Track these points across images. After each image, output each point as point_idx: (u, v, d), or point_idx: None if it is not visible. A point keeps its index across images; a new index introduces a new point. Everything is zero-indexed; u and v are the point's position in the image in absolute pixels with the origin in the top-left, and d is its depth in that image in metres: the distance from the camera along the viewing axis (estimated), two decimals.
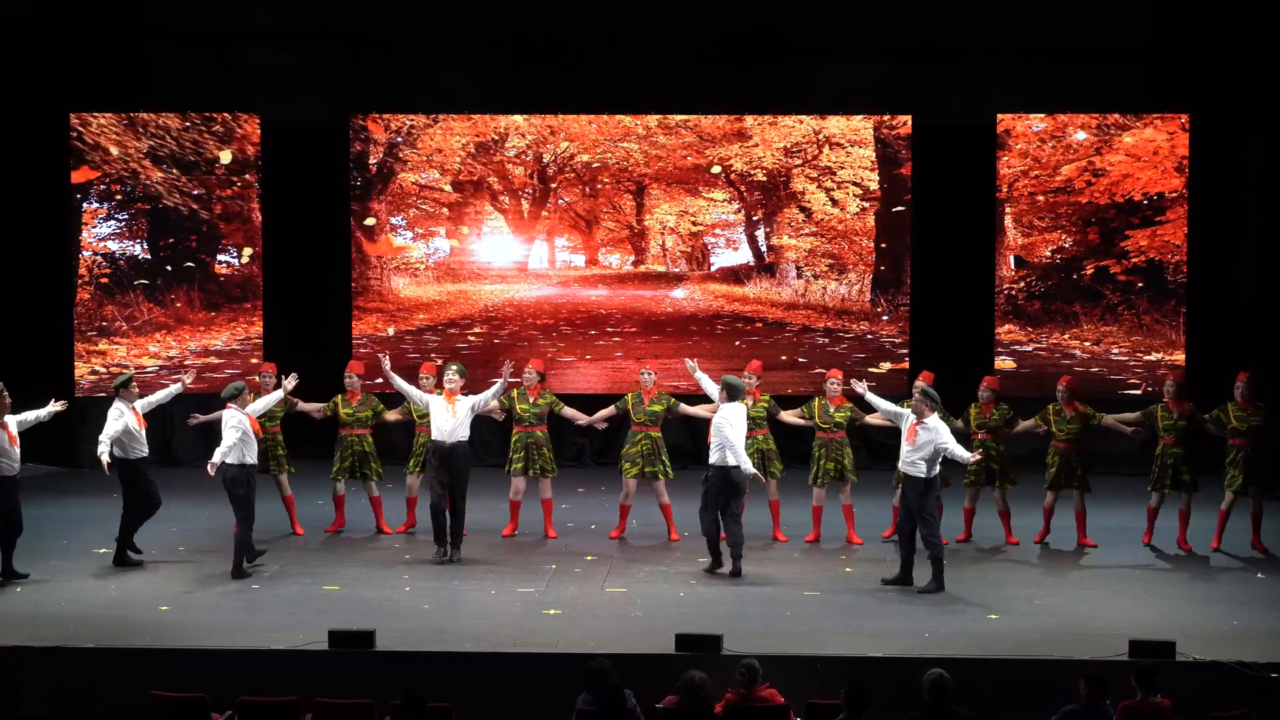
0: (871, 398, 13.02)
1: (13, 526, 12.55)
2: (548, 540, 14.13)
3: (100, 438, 12.80)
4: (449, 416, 13.06)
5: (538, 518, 14.34)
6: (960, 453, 12.37)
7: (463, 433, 13.12)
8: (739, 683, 9.17)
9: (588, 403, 15.25)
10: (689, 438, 17.38)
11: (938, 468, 12.41)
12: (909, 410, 12.56)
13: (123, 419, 12.85)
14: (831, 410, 13.90)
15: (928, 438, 12.29)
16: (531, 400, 14.16)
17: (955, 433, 12.99)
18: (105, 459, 12.74)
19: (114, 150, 17.84)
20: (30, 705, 10.11)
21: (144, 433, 13.10)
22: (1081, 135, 17.67)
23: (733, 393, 12.82)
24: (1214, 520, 13.76)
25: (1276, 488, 13.66)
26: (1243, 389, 13.60)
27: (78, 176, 17.80)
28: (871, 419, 13.85)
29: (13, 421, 12.52)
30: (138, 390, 13.23)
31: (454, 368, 13.32)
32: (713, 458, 12.73)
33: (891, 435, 13.55)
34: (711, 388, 13.22)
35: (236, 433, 12.53)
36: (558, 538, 14.18)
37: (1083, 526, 13.95)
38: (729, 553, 12.77)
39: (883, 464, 15.94)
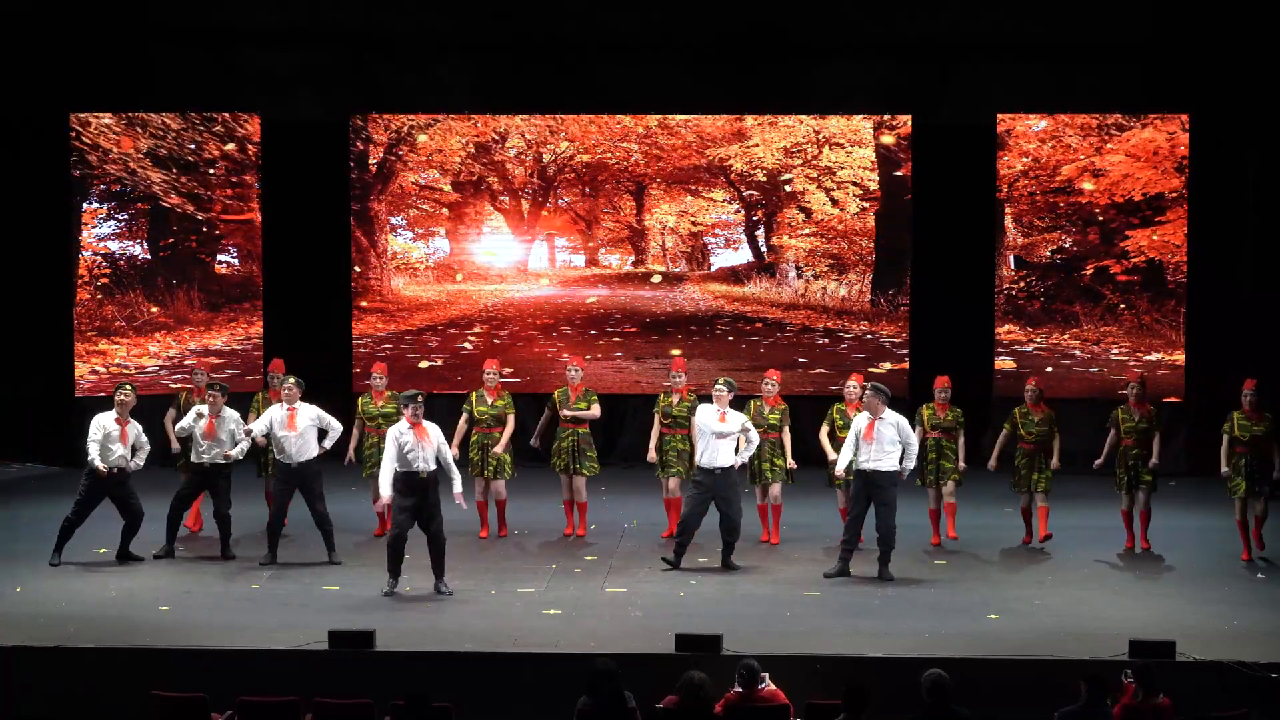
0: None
1: (125, 517, 13.02)
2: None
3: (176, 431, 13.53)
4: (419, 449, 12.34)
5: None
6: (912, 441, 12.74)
7: (433, 464, 12.33)
8: (739, 683, 9.17)
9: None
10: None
11: (910, 460, 12.69)
12: (860, 414, 12.70)
13: (200, 421, 13.27)
14: (765, 411, 13.76)
15: (892, 434, 12.52)
16: (490, 401, 14.07)
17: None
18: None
19: (114, 150, 17.85)
20: (30, 705, 10.09)
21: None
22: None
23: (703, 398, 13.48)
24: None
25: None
26: (1250, 396, 13.35)
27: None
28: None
29: (133, 423, 12.97)
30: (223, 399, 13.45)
31: (416, 400, 12.24)
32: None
33: None
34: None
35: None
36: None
37: (1044, 521, 13.82)
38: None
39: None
